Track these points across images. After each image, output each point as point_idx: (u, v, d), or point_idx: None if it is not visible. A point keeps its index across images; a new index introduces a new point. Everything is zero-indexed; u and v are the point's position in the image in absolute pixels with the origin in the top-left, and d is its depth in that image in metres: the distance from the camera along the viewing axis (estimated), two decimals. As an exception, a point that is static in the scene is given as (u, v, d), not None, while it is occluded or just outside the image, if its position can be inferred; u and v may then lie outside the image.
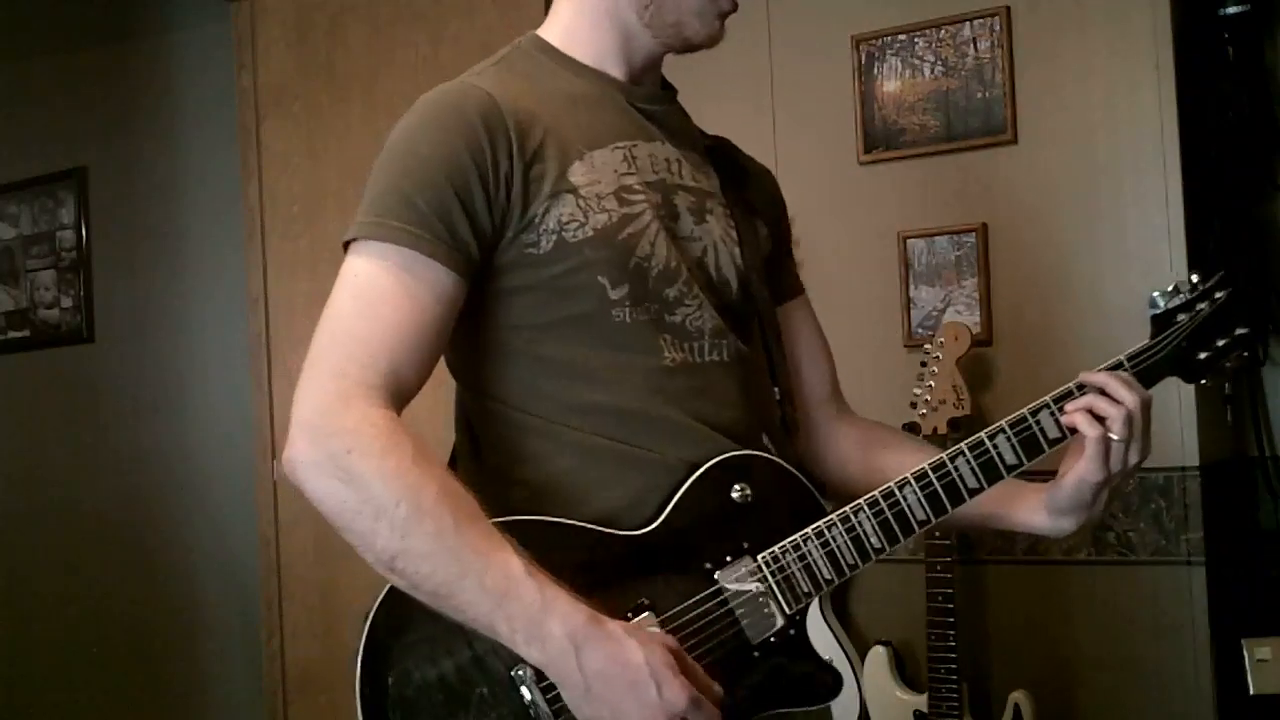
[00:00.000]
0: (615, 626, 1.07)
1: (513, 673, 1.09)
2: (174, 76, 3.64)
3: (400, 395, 1.12)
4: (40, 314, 3.86)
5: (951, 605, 2.26)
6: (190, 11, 3.57)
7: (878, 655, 2.44)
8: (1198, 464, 2.29)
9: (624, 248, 1.19)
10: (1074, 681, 2.41)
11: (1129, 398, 1.21)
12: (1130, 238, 2.38)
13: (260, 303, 3.21)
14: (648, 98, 1.31)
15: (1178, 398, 2.27)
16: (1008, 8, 2.48)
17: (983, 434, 1.24)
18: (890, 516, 1.21)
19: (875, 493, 1.22)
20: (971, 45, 2.52)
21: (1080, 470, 1.23)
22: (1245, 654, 2.27)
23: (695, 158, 1.33)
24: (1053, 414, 1.24)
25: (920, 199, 2.56)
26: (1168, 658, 2.33)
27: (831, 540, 1.20)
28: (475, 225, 1.15)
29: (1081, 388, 1.24)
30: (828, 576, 1.20)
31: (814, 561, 1.20)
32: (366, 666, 1.10)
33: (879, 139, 2.61)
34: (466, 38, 2.97)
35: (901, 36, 2.58)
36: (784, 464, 1.24)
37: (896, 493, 1.22)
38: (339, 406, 1.07)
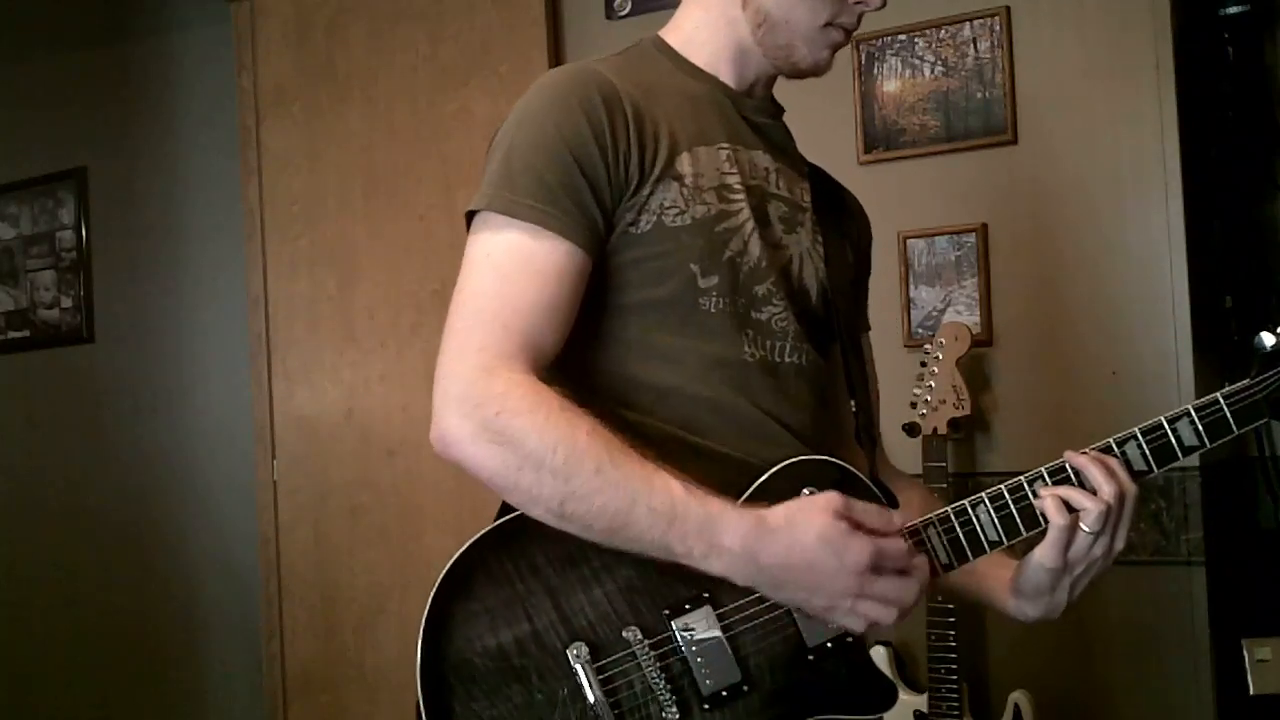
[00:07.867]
0: (778, 518, 1.10)
1: (569, 650, 1.11)
2: (174, 77, 3.64)
3: (540, 362, 1.16)
4: (40, 314, 3.85)
5: (951, 605, 2.25)
6: (190, 11, 3.57)
7: (878, 655, 2.44)
8: (1197, 464, 2.28)
9: (719, 240, 1.22)
10: (1074, 681, 2.41)
11: (1107, 489, 1.17)
12: (1130, 238, 2.37)
13: (260, 303, 3.21)
14: (755, 109, 1.34)
15: (1178, 398, 2.27)
16: (1008, 8, 2.48)
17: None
18: (961, 535, 1.20)
19: (948, 509, 1.21)
20: (971, 45, 2.52)
21: (1038, 554, 1.21)
22: (1245, 654, 2.27)
23: (792, 174, 1.35)
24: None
25: (920, 199, 2.56)
26: (1168, 658, 2.33)
27: None
28: (599, 200, 1.18)
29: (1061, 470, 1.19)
30: None
31: None
32: (429, 634, 1.12)
33: (879, 139, 2.61)
34: (466, 38, 2.97)
35: (901, 36, 2.58)
36: (858, 473, 1.24)
37: (969, 510, 1.20)
38: (483, 377, 1.11)
